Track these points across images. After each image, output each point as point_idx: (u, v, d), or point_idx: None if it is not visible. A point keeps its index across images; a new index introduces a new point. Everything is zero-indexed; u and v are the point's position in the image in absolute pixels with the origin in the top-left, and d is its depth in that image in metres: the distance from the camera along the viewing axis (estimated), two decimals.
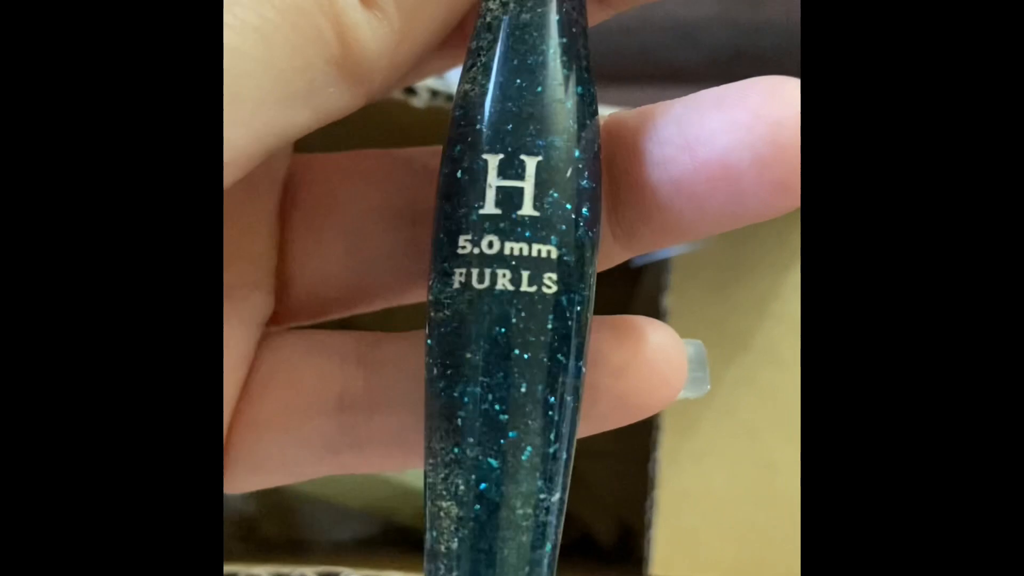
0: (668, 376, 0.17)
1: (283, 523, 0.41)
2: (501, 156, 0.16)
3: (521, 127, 0.16)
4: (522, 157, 0.15)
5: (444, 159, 0.16)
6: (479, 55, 0.16)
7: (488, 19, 0.16)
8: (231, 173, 0.14)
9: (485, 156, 0.16)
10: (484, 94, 0.16)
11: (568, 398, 0.16)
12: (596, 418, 0.17)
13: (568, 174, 0.16)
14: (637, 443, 0.35)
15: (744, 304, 0.33)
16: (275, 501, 0.40)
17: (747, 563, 0.32)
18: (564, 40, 0.16)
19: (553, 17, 0.16)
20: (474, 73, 0.16)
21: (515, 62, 0.16)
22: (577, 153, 0.16)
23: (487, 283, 0.15)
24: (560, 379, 0.16)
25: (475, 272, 0.16)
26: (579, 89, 0.16)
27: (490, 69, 0.16)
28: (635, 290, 0.40)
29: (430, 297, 0.16)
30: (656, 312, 0.33)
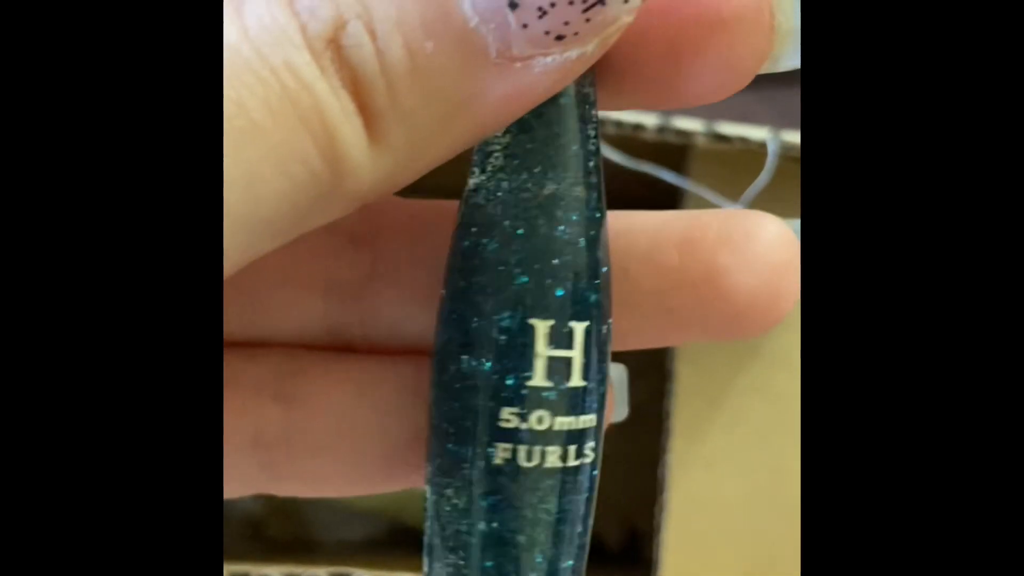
0: (779, 280, 0.16)
1: (289, 523, 0.41)
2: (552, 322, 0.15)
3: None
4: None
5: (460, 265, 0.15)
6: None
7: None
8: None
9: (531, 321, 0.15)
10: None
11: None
12: (697, 329, 0.16)
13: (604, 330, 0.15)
14: (647, 447, 0.35)
15: None
16: (282, 500, 0.40)
17: (756, 567, 0.32)
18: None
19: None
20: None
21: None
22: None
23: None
24: (579, 544, 0.15)
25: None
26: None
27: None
28: None
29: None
30: None
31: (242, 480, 0.17)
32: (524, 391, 0.14)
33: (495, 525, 0.15)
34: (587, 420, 0.15)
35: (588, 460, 0.15)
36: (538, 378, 0.14)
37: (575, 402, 0.14)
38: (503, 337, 0.14)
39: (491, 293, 0.15)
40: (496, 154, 0.15)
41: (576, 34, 0.13)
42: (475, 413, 0.15)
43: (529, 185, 0.15)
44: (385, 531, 0.40)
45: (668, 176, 0.32)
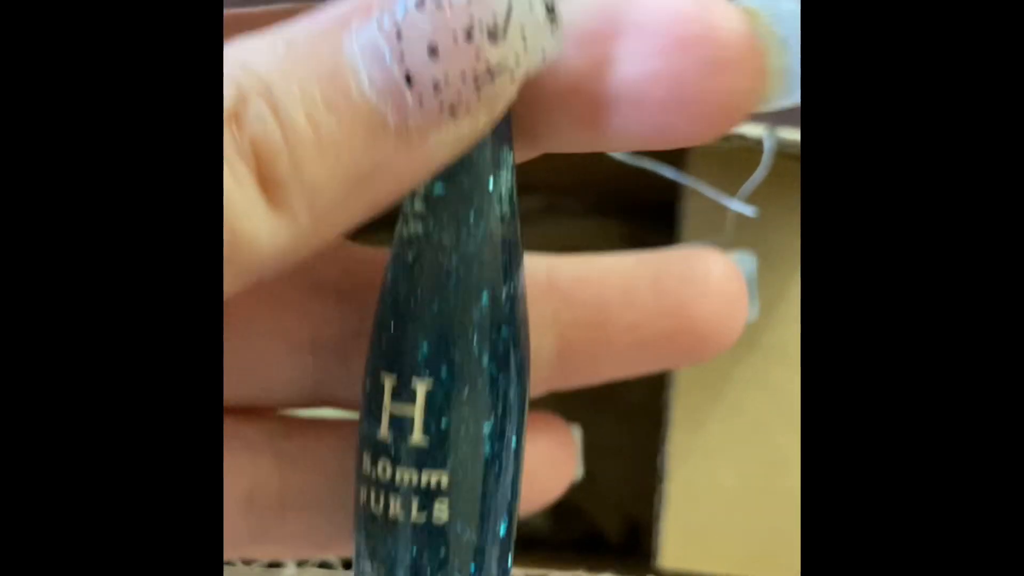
0: (733, 309, 0.17)
1: None
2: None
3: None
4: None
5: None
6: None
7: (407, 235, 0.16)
8: None
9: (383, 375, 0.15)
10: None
11: None
12: (664, 357, 0.18)
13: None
14: (646, 438, 0.35)
15: None
16: None
17: (755, 557, 0.33)
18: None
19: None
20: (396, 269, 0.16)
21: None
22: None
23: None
24: None
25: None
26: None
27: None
28: None
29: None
30: None
31: (229, 539, 0.18)
32: (374, 441, 0.15)
33: (364, 563, 0.16)
34: (433, 476, 0.15)
35: (440, 519, 0.15)
36: (383, 431, 0.15)
37: (419, 457, 0.15)
38: (367, 386, 0.16)
39: (372, 344, 0.16)
40: (409, 213, 0.16)
41: (468, 108, 0.14)
42: (358, 454, 0.16)
43: (434, 240, 0.15)
44: None
45: (668, 172, 0.32)
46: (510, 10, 0.14)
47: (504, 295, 0.15)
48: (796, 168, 0.33)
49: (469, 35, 0.14)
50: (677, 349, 0.18)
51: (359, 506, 0.16)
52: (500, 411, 0.15)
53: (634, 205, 0.40)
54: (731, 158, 0.32)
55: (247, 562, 0.30)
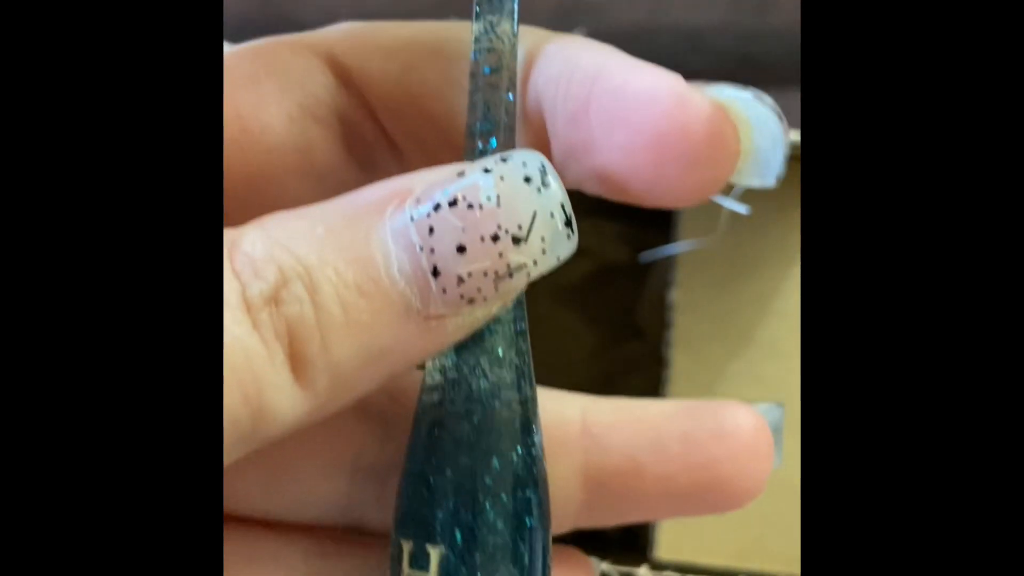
0: (760, 463, 0.18)
1: None
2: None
3: None
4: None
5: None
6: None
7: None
8: None
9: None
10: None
11: None
12: (689, 507, 0.18)
13: None
14: None
15: (748, 300, 0.34)
16: None
17: (751, 548, 0.33)
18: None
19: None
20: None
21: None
22: None
23: None
24: None
25: None
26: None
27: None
28: (642, 286, 0.41)
29: None
30: (662, 307, 0.34)
31: None
32: None
33: None
34: None
35: None
36: None
37: None
38: (391, 549, 0.16)
39: (394, 508, 0.17)
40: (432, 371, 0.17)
41: (485, 298, 0.15)
42: None
43: (448, 409, 0.16)
44: None
45: None
46: (534, 218, 0.15)
47: (519, 459, 0.16)
48: (790, 167, 0.33)
49: (496, 237, 0.15)
50: (702, 501, 0.18)
51: None
52: (518, 574, 0.16)
53: (630, 205, 0.40)
54: None
55: None
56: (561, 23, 0.42)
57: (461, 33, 0.17)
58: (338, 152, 0.18)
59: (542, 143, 0.17)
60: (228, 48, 0.18)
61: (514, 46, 0.16)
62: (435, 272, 0.15)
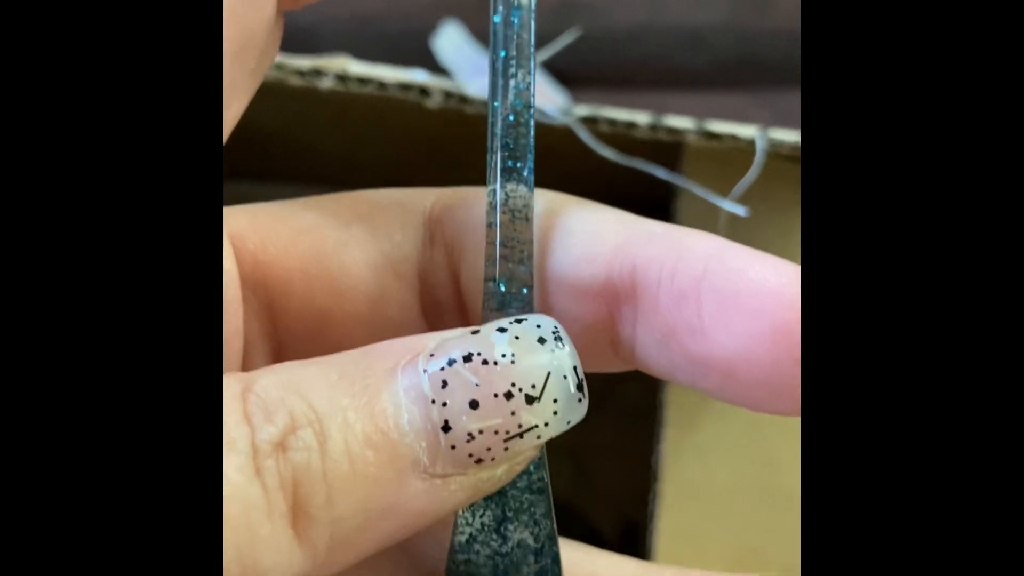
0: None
1: None
2: None
3: None
4: None
5: None
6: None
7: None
8: None
9: None
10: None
11: None
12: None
13: None
14: (640, 437, 0.35)
15: None
16: None
17: (750, 556, 0.33)
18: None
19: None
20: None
21: None
22: None
23: None
24: None
25: None
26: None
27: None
28: None
29: None
30: None
31: None
32: None
33: None
34: None
35: None
36: None
37: None
38: None
39: None
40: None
41: (493, 459, 0.15)
42: None
43: (472, 560, 0.16)
44: None
45: (660, 172, 0.32)
46: (547, 379, 0.15)
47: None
48: (788, 169, 0.33)
49: (509, 395, 0.15)
50: None
51: None
52: None
53: (628, 205, 0.40)
54: (724, 159, 0.32)
55: None
56: (561, 23, 0.41)
57: (552, 205, 0.18)
58: (411, 310, 0.18)
59: (603, 322, 0.17)
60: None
61: (530, 209, 0.17)
62: (446, 427, 0.15)
